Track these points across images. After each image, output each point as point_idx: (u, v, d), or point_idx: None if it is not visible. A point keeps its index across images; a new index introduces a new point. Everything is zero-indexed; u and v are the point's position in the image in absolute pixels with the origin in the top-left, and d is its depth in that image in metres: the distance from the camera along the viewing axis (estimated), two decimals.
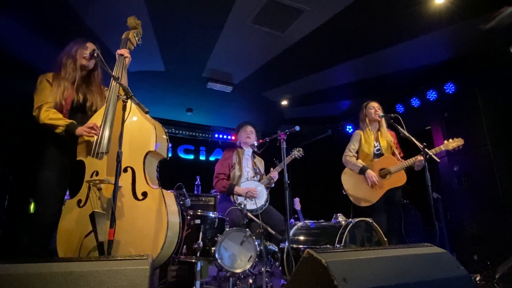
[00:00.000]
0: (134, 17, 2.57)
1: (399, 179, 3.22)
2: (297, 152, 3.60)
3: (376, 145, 3.46)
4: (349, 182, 3.52)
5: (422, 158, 3.02)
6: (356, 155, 3.52)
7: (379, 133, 3.52)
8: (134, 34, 2.52)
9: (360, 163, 3.39)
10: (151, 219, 2.00)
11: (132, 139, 2.16)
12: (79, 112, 2.36)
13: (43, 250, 2.18)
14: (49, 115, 2.19)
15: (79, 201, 2.13)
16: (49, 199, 2.19)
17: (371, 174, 3.28)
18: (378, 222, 2.98)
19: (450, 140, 3.07)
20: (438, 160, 3.03)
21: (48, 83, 2.30)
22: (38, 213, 2.20)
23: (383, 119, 3.50)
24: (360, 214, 3.18)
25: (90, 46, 2.43)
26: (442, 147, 3.06)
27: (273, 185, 3.55)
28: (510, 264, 2.81)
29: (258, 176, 3.56)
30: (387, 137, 3.48)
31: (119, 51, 2.38)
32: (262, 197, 3.35)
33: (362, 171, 3.33)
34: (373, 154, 3.42)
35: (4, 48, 3.90)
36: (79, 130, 2.16)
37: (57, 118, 2.20)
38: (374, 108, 3.52)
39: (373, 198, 3.27)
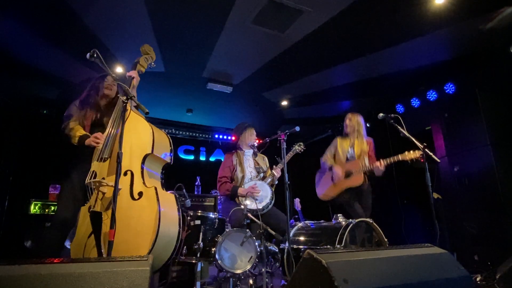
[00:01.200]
0: (147, 46, 2.79)
1: (356, 180, 3.59)
2: (298, 147, 3.55)
3: (349, 151, 3.79)
4: (318, 180, 4.00)
5: (379, 164, 3.39)
6: (333, 158, 3.92)
7: (356, 141, 3.77)
8: (145, 59, 2.74)
9: (331, 162, 3.84)
10: (144, 216, 2.06)
11: (132, 146, 2.32)
12: (99, 126, 2.61)
13: (59, 249, 2.37)
14: (70, 129, 2.53)
15: (90, 207, 2.22)
16: (69, 202, 2.40)
17: (337, 168, 3.68)
18: (354, 210, 3.46)
19: (411, 151, 3.21)
20: (438, 160, 3.03)
21: (75, 106, 2.67)
22: (58, 214, 2.41)
23: (362, 129, 3.79)
24: (339, 208, 3.57)
25: (109, 78, 2.72)
26: (400, 157, 3.28)
27: (276, 182, 3.51)
28: (511, 264, 2.81)
29: (262, 174, 3.54)
30: (362, 146, 3.75)
31: (127, 74, 2.62)
32: (266, 196, 3.31)
33: (331, 167, 3.77)
34: (346, 159, 3.78)
35: (5, 49, 3.90)
36: (87, 140, 2.44)
37: (75, 131, 2.52)
38: (346, 119, 3.87)
39: (332, 194, 3.70)
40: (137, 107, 2.18)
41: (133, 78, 2.59)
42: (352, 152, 3.77)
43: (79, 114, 2.62)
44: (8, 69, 4.33)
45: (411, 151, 3.20)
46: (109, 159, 2.29)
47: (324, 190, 3.83)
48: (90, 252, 2.06)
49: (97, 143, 2.39)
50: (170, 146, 2.53)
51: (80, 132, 2.52)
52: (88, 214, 2.18)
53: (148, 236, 1.99)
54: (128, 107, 2.18)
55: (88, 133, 2.52)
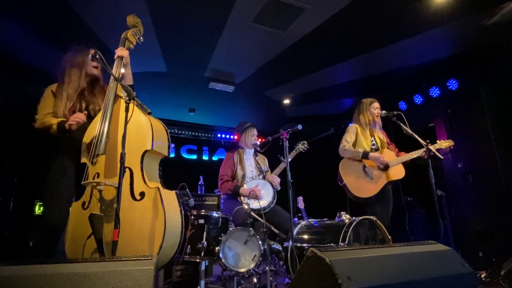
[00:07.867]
0: (134, 15, 2.52)
1: (398, 173, 3.20)
2: (301, 146, 3.50)
3: (372, 140, 3.42)
4: (348, 173, 3.40)
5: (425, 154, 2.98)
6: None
7: (373, 129, 3.49)
8: (133, 33, 2.47)
9: (360, 149, 3.31)
10: (149, 219, 1.97)
11: (129, 139, 2.07)
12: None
13: (52, 251, 2.22)
14: (43, 120, 2.26)
15: (84, 203, 2.16)
16: (56, 201, 2.24)
17: (376, 155, 3.21)
18: (376, 214, 2.99)
19: (442, 141, 3.08)
20: (442, 157, 3.03)
21: (52, 94, 2.35)
22: (45, 215, 2.25)
23: (379, 119, 3.49)
24: (358, 206, 3.27)
25: (93, 52, 2.41)
26: (437, 146, 3.02)
27: (279, 187, 3.47)
28: None
29: (263, 174, 3.55)
30: (379, 135, 3.50)
31: (116, 52, 2.37)
32: (268, 195, 3.31)
33: (365, 155, 3.24)
34: (370, 149, 3.36)
35: (5, 49, 3.92)
36: (67, 124, 2.19)
37: (50, 120, 2.24)
38: (378, 109, 3.49)
39: (374, 190, 3.20)
40: (140, 106, 2.01)
41: (123, 58, 2.30)
42: (374, 141, 3.41)
43: (59, 106, 2.27)
44: (10, 70, 4.34)
45: (443, 141, 3.06)
46: (104, 156, 2.10)
47: (361, 187, 3.27)
48: (91, 256, 2.00)
49: (77, 121, 2.13)
50: (167, 136, 2.32)
51: (56, 119, 2.22)
52: (82, 210, 2.10)
53: (154, 240, 1.93)
54: (131, 107, 2.10)
55: (64, 119, 2.23)
